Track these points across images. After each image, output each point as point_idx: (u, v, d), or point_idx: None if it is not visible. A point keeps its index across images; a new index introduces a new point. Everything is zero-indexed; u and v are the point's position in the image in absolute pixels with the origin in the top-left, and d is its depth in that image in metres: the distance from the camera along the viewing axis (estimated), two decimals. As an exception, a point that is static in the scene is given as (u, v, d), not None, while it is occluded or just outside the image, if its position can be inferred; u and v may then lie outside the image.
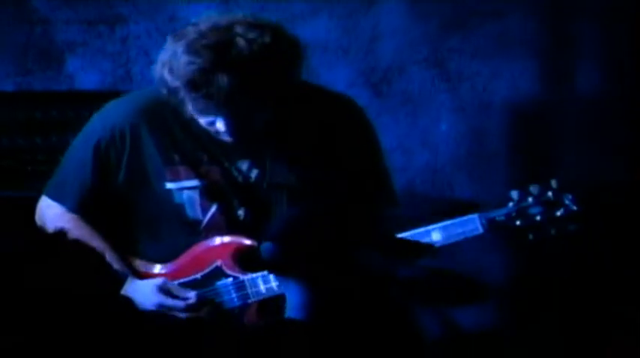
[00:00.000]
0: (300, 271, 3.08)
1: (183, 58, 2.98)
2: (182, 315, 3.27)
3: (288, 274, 3.05)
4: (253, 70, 3.02)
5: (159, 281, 3.29)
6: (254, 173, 3.27)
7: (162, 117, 3.26)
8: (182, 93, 3.02)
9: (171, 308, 3.27)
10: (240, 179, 3.27)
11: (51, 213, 3.35)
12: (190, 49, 2.99)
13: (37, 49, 4.48)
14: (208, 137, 3.24)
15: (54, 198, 3.36)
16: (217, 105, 3.05)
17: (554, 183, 3.20)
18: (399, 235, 3.21)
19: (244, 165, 3.26)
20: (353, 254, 3.12)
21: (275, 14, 4.23)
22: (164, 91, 3.12)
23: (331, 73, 4.42)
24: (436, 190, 4.53)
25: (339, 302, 3.12)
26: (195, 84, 3.00)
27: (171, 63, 3.03)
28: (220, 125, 3.10)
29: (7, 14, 4.47)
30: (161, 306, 3.26)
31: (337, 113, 3.39)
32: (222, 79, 2.97)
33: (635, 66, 4.62)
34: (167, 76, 3.04)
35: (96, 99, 3.86)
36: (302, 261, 3.07)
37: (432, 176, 4.51)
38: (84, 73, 4.49)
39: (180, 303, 3.24)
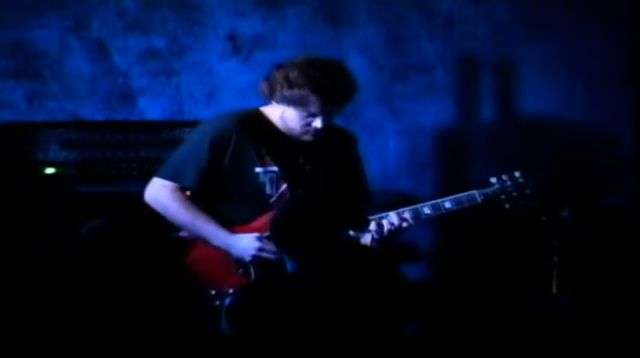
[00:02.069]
0: (297, 239, 3.78)
1: (302, 77, 3.69)
2: (272, 256, 3.79)
3: (288, 241, 3.77)
4: (349, 84, 3.78)
5: (258, 234, 3.81)
6: (307, 166, 3.89)
7: (254, 126, 3.85)
8: (311, 98, 3.68)
9: (266, 252, 3.81)
10: (299, 169, 3.87)
11: (166, 190, 3.85)
12: (307, 71, 3.71)
13: (119, 93, 5.11)
14: (283, 140, 3.85)
15: (172, 179, 3.85)
16: (333, 104, 3.73)
17: (517, 173, 3.86)
18: (420, 206, 3.82)
19: (301, 160, 3.87)
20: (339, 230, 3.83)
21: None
22: (287, 97, 3.73)
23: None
24: (387, 188, 5.03)
25: (330, 264, 3.80)
26: (321, 90, 3.69)
27: (290, 82, 3.72)
28: (317, 123, 3.76)
29: (100, 70, 5.10)
30: (260, 250, 3.79)
31: (350, 139, 4.04)
32: (339, 83, 3.74)
33: (520, 102, 5.35)
34: (288, 91, 3.72)
35: (158, 126, 4.83)
36: (300, 233, 3.79)
37: (384, 178, 5.05)
38: (150, 109, 5.13)
39: (272, 249, 3.78)
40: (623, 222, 4.95)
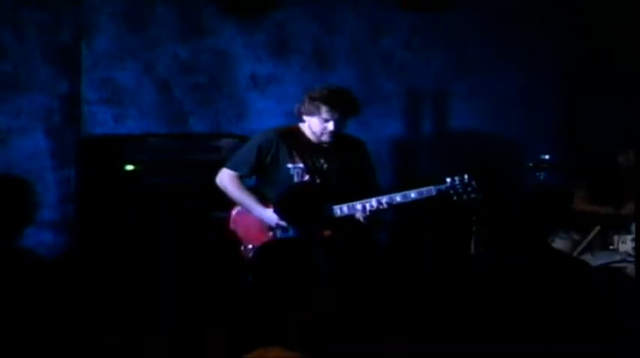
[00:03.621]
0: (294, 213, 4.36)
1: (317, 93, 4.46)
2: (285, 225, 4.50)
3: (287, 214, 4.36)
4: (349, 99, 4.51)
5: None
6: (325, 165, 4.64)
7: (290, 136, 4.66)
8: (321, 107, 4.42)
9: (281, 225, 4.56)
10: (318, 166, 4.62)
11: (228, 176, 4.73)
12: (320, 90, 4.51)
13: (176, 115, 6.02)
14: (308, 145, 4.60)
15: (233, 168, 4.72)
16: (337, 110, 4.44)
17: (466, 176, 4.42)
18: (393, 194, 4.36)
19: (321, 160, 4.65)
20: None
21: (284, 98, 5.55)
22: (307, 110, 4.41)
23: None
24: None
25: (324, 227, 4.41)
26: (326, 100, 4.44)
27: (310, 98, 4.46)
28: (330, 125, 4.46)
29: (163, 99, 6.00)
30: (277, 220, 4.56)
31: (358, 143, 4.81)
32: (341, 98, 4.48)
33: (450, 121, 6.28)
34: (309, 104, 4.45)
35: (202, 138, 5.79)
36: (296, 209, 4.35)
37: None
38: (197, 126, 6.04)
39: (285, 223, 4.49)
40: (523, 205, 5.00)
